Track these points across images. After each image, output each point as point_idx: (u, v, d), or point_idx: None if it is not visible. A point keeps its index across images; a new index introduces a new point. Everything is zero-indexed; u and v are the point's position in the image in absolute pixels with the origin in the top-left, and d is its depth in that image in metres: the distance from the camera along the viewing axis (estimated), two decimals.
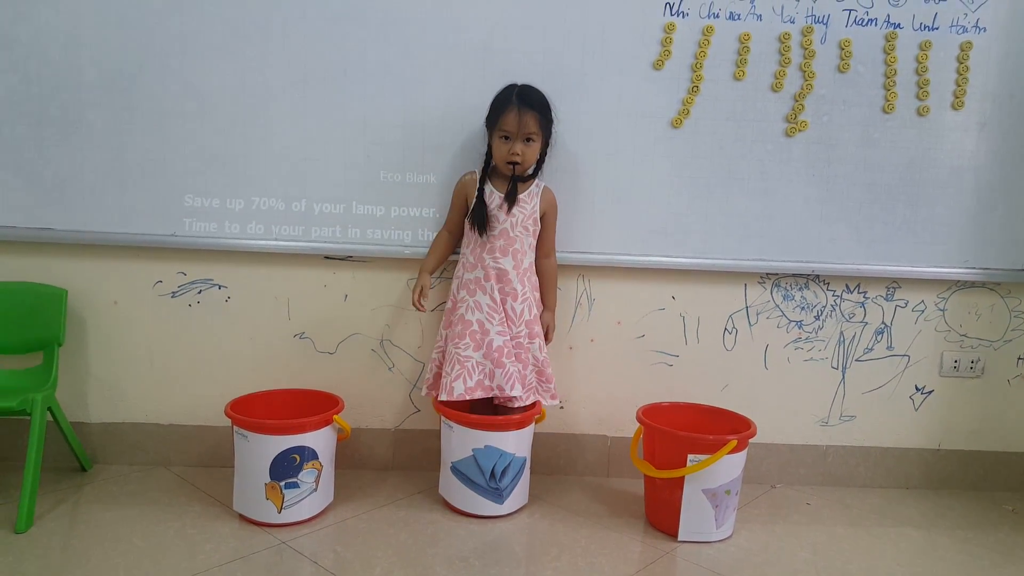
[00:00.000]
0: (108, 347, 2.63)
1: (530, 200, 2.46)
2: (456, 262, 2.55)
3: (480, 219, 2.42)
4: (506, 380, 2.39)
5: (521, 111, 2.34)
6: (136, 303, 2.61)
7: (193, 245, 2.55)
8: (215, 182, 2.52)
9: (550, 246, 2.54)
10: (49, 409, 2.37)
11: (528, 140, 2.38)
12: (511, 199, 2.41)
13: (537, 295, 2.53)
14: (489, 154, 2.46)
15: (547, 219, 2.51)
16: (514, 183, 2.43)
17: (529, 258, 2.49)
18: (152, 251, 2.57)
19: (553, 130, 2.46)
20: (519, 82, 2.43)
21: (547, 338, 2.54)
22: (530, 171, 2.47)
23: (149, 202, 2.51)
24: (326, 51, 2.48)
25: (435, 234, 2.57)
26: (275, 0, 2.45)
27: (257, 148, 2.51)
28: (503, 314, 2.43)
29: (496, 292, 2.43)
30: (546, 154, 2.48)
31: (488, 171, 2.49)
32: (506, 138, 2.38)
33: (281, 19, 2.46)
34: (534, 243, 2.50)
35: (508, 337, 2.43)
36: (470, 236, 2.49)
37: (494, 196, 2.44)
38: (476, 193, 2.45)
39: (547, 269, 2.55)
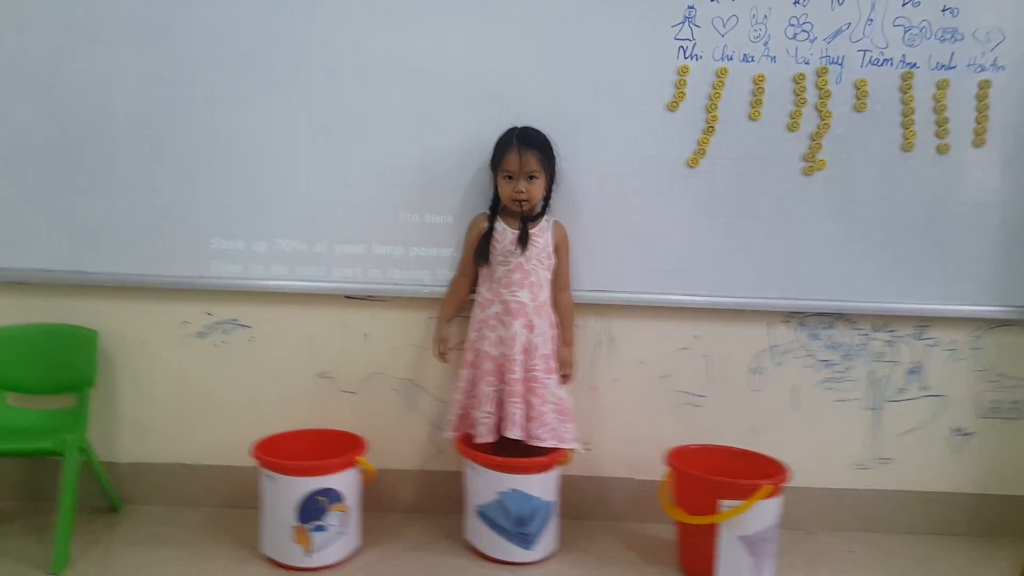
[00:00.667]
0: (137, 387, 2.68)
1: (542, 234, 2.49)
2: (473, 303, 2.57)
3: (483, 251, 2.48)
4: (507, 418, 2.40)
5: (521, 150, 2.41)
6: (164, 344, 2.67)
7: (219, 286, 2.61)
8: (240, 225, 2.59)
9: (565, 279, 2.56)
10: (81, 449, 2.40)
11: (531, 178, 2.43)
12: (524, 239, 2.44)
13: (554, 331, 2.52)
14: (497, 195, 2.52)
15: (560, 252, 2.53)
16: (524, 221, 2.47)
17: (545, 292, 2.50)
18: (180, 292, 2.63)
19: (557, 168, 2.52)
20: (532, 125, 2.49)
21: (568, 374, 2.53)
22: (538, 208, 2.52)
23: (177, 245, 2.59)
24: (348, 99, 2.56)
25: (452, 274, 2.60)
26: (299, 52, 2.55)
27: (281, 192, 2.59)
28: (519, 347, 2.42)
29: (514, 325, 2.43)
30: (552, 191, 2.53)
31: (498, 210, 2.53)
32: (509, 177, 2.43)
33: (305, 70, 2.56)
34: (550, 277, 2.52)
35: (520, 376, 2.42)
36: (485, 275, 2.52)
37: (506, 232, 2.47)
38: (486, 229, 2.50)
39: (564, 303, 2.55)
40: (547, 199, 2.53)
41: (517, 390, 2.40)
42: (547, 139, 2.48)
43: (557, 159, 2.51)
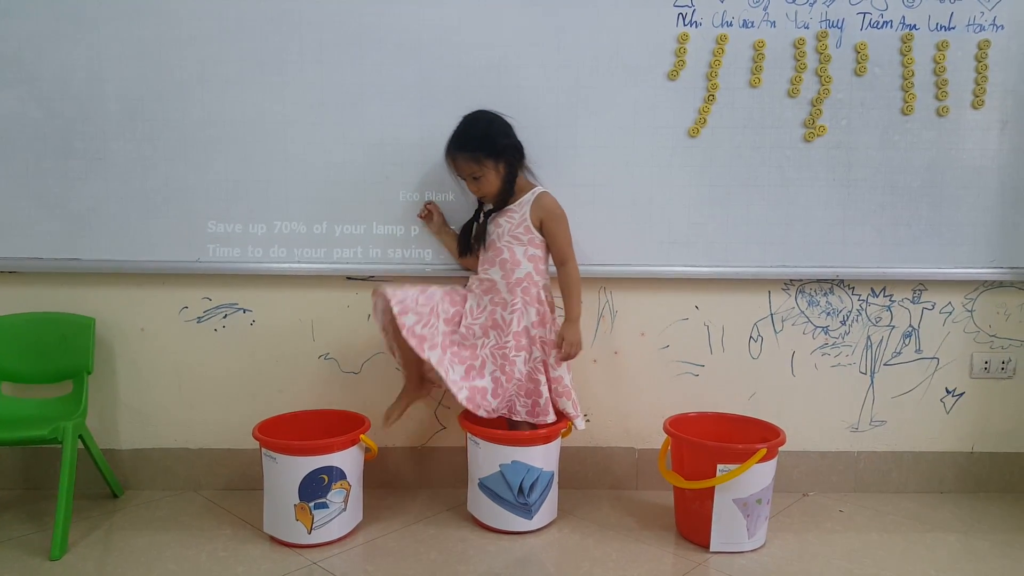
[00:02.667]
0: (136, 374, 2.66)
1: (520, 208, 2.42)
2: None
3: (465, 241, 2.49)
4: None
5: (454, 157, 2.39)
6: (163, 329, 2.64)
7: (217, 270, 2.58)
8: (237, 208, 2.55)
9: (562, 253, 2.45)
10: (80, 437, 2.40)
11: (474, 178, 2.38)
12: (481, 236, 2.46)
13: (540, 307, 2.42)
14: None
15: (547, 226, 2.42)
16: (486, 215, 2.46)
17: (524, 268, 2.41)
18: (177, 278, 2.61)
19: (509, 143, 2.39)
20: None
21: (568, 353, 2.41)
22: (502, 195, 2.43)
23: (173, 230, 2.55)
24: (343, 75, 2.51)
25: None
26: (291, 27, 2.49)
27: (278, 173, 2.54)
28: (492, 324, 2.41)
29: (486, 303, 2.42)
30: (516, 170, 2.43)
31: None
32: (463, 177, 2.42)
33: (298, 45, 2.50)
34: (535, 252, 2.43)
35: (488, 353, 2.41)
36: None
37: (492, 217, 2.48)
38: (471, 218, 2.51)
39: (562, 278, 2.46)
40: (511, 180, 2.42)
41: (486, 368, 2.39)
42: (483, 130, 2.37)
43: (509, 138, 2.39)
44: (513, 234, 2.40)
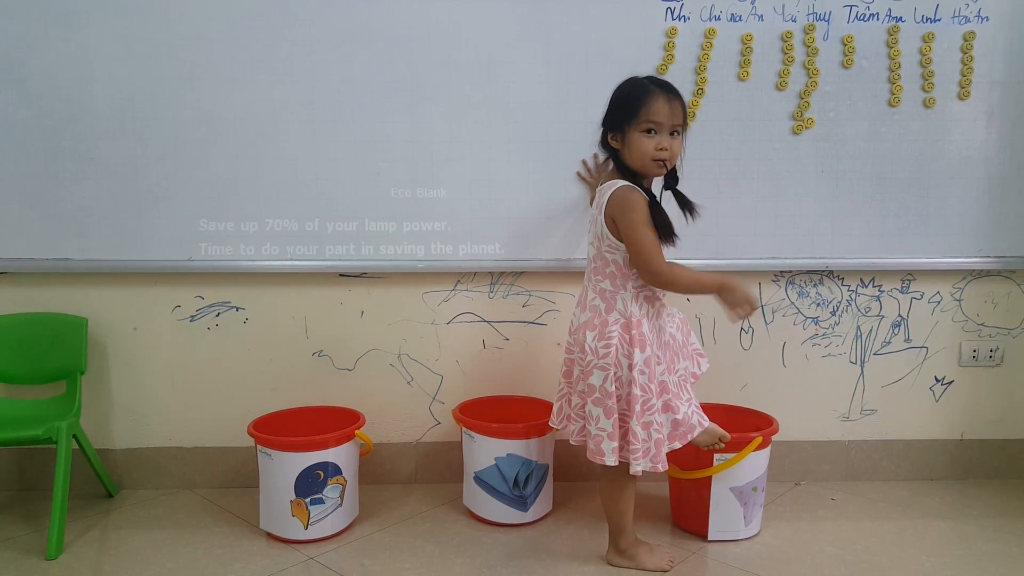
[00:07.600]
0: (130, 373, 2.66)
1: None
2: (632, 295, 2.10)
3: (669, 227, 2.03)
4: None
5: (670, 98, 1.95)
6: (156, 328, 2.64)
7: (209, 269, 2.58)
8: (229, 206, 2.55)
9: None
10: (74, 436, 2.39)
11: (673, 133, 1.98)
12: (690, 206, 2.09)
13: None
14: (618, 159, 2.05)
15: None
16: (675, 190, 2.10)
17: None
18: (169, 276, 2.60)
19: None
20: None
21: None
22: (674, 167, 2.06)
23: (165, 228, 2.55)
24: (333, 72, 2.51)
25: (453, 248, 2.57)
26: (281, 25, 2.48)
27: (269, 170, 2.54)
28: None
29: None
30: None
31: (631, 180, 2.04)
32: (650, 132, 1.96)
33: (287, 44, 2.49)
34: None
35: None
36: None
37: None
38: (649, 200, 2.01)
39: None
40: None
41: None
42: None
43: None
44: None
